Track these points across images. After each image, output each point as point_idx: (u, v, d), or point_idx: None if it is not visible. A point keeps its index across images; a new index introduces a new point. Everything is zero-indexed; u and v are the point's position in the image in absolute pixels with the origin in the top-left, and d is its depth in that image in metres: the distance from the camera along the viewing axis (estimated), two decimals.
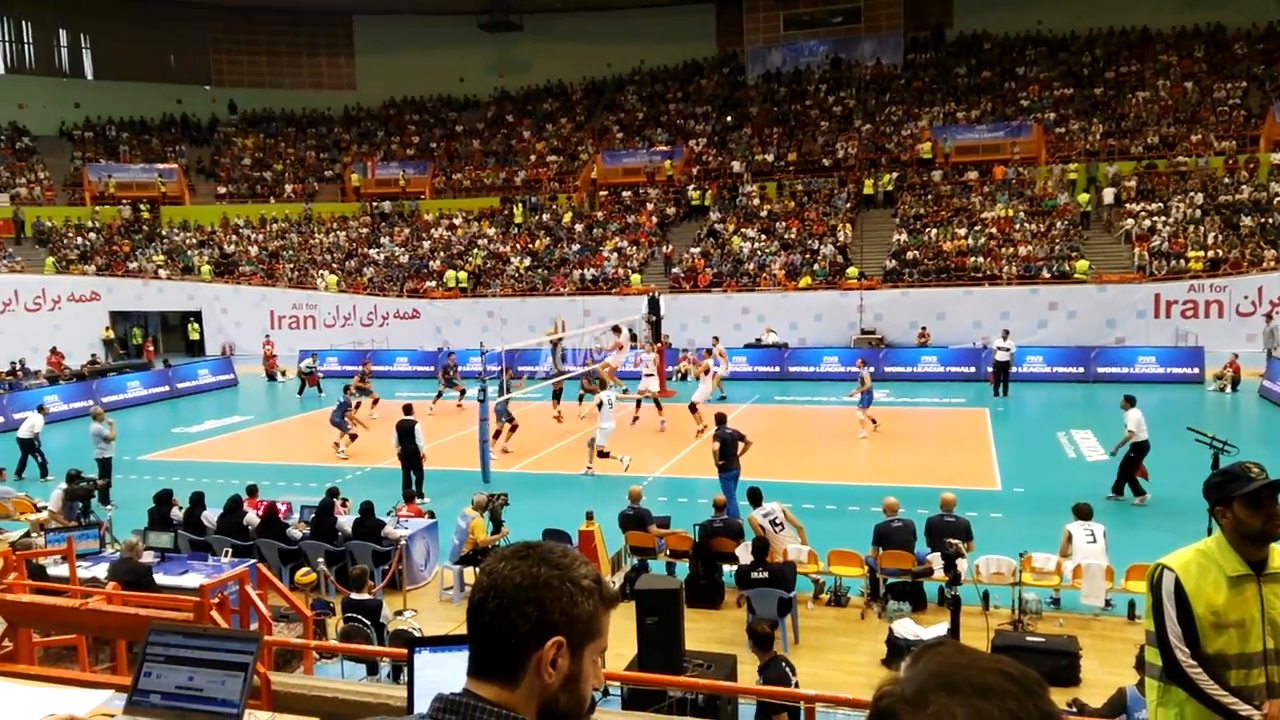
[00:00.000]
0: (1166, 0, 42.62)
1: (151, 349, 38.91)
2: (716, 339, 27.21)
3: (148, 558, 10.53)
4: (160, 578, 10.08)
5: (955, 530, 11.03)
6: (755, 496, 12.25)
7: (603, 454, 17.92)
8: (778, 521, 12.02)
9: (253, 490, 13.92)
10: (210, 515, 12.79)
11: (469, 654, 1.73)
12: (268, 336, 34.55)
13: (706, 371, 22.65)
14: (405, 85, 52.64)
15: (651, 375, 23.10)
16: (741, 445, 14.36)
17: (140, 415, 26.70)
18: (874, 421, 20.59)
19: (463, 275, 38.37)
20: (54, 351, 32.65)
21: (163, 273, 40.83)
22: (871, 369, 21.21)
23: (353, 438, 20.15)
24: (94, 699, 2.93)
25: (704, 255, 36.80)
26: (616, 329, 24.69)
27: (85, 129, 49.39)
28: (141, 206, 45.17)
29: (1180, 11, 42.70)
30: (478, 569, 1.75)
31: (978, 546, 11.83)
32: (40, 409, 20.33)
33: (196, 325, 40.07)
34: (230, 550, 11.63)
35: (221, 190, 47.53)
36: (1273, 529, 3.53)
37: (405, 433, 16.23)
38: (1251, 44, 40.95)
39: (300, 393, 28.82)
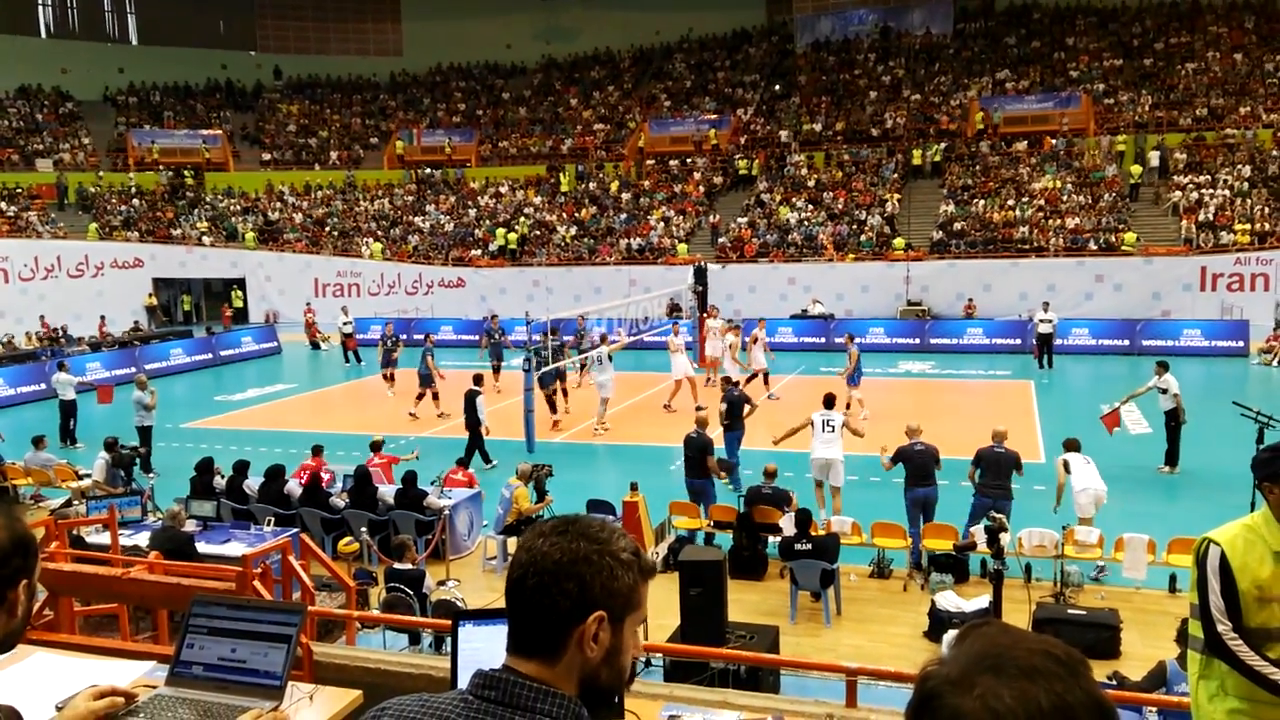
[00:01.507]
0: None
1: (230, 313, 38.88)
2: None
3: (190, 526, 10.65)
4: (202, 546, 10.18)
5: (1005, 461, 11.41)
6: (829, 400, 13.60)
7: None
8: (831, 425, 13.03)
9: (318, 450, 14.13)
10: (252, 484, 12.82)
11: (508, 631, 1.72)
12: (309, 304, 34.83)
13: (755, 341, 22.34)
14: (452, 52, 52.56)
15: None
16: (747, 408, 15.12)
17: (183, 383, 27.05)
18: (861, 403, 19.36)
19: (513, 236, 38.47)
20: (102, 319, 33.11)
21: (206, 239, 41.23)
22: (859, 342, 20.76)
23: (418, 398, 20.52)
24: (136, 670, 2.93)
25: (750, 225, 36.56)
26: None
27: (129, 94, 49.81)
28: (186, 172, 45.54)
29: None
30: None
31: (1021, 520, 11.74)
32: (61, 366, 20.29)
33: (240, 293, 40.44)
34: (273, 519, 11.67)
35: (266, 157, 47.85)
36: None
37: (468, 403, 16.47)
38: None
39: (346, 360, 29.01)
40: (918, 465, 11.69)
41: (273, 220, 43.05)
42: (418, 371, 20.62)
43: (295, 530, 11.22)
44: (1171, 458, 15.31)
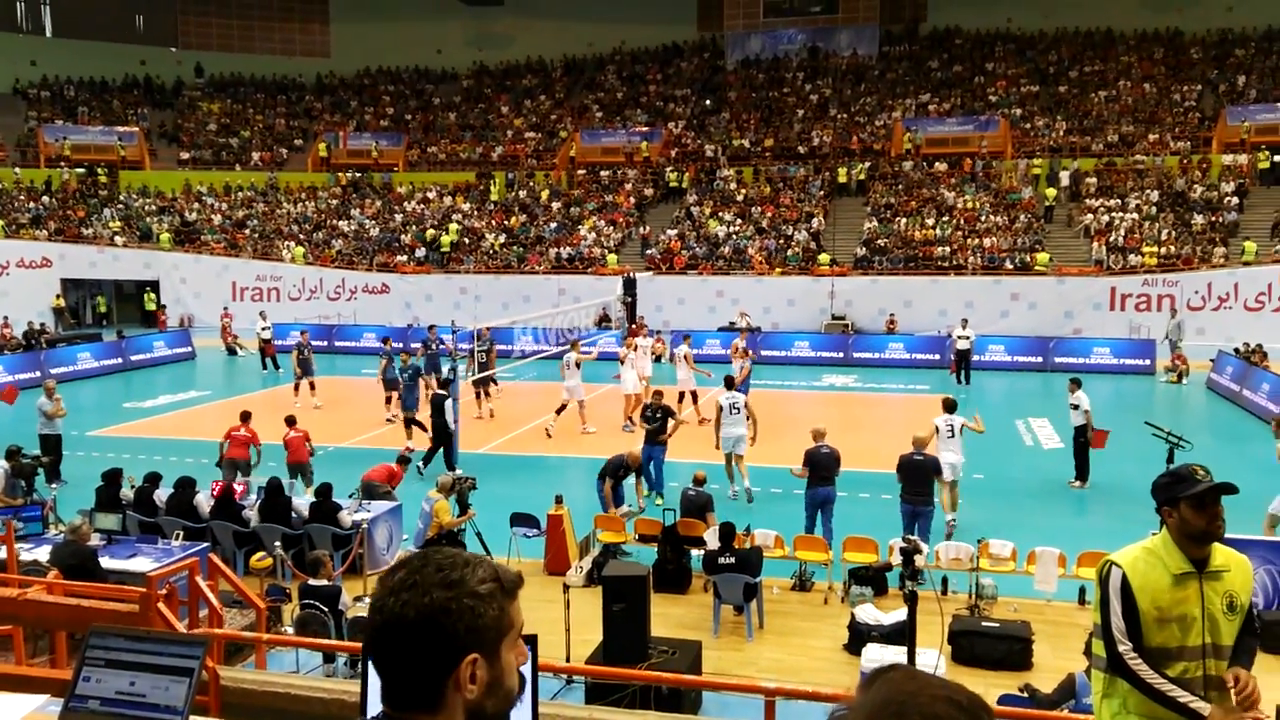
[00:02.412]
0: (1130, 2, 43.46)
1: (164, 317, 37.58)
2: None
3: (95, 540, 10.22)
4: (107, 562, 9.72)
5: (924, 468, 11.93)
6: (729, 382, 15.51)
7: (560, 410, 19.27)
8: (736, 407, 14.90)
9: (246, 416, 14.78)
10: (162, 495, 12.34)
11: (381, 686, 1.67)
12: (225, 308, 34.01)
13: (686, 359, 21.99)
14: (381, 55, 51.89)
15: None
16: (671, 422, 15.32)
17: (91, 388, 26.08)
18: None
19: (446, 238, 38.15)
20: (5, 320, 31.83)
21: (119, 240, 39.99)
22: (752, 357, 20.82)
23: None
24: (28, 704, 2.78)
25: (680, 237, 36.78)
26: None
27: (41, 88, 48.18)
28: (99, 170, 44.16)
29: (1143, 14, 43.57)
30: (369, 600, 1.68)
31: (937, 534, 11.98)
32: None
33: (153, 295, 39.26)
34: (181, 533, 11.25)
35: (184, 156, 46.65)
36: (1215, 530, 3.68)
37: (436, 408, 16.61)
38: (1206, 49, 42.20)
39: (264, 367, 28.29)
40: (822, 466, 12.45)
41: (190, 221, 41.96)
42: (383, 378, 20.55)
43: (205, 545, 10.87)
44: (1081, 473, 15.68)
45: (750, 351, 20.55)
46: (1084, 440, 15.45)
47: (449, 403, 16.65)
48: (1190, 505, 3.63)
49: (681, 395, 20.53)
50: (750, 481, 15.02)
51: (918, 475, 11.89)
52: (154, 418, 22.07)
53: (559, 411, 19.37)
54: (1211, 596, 3.67)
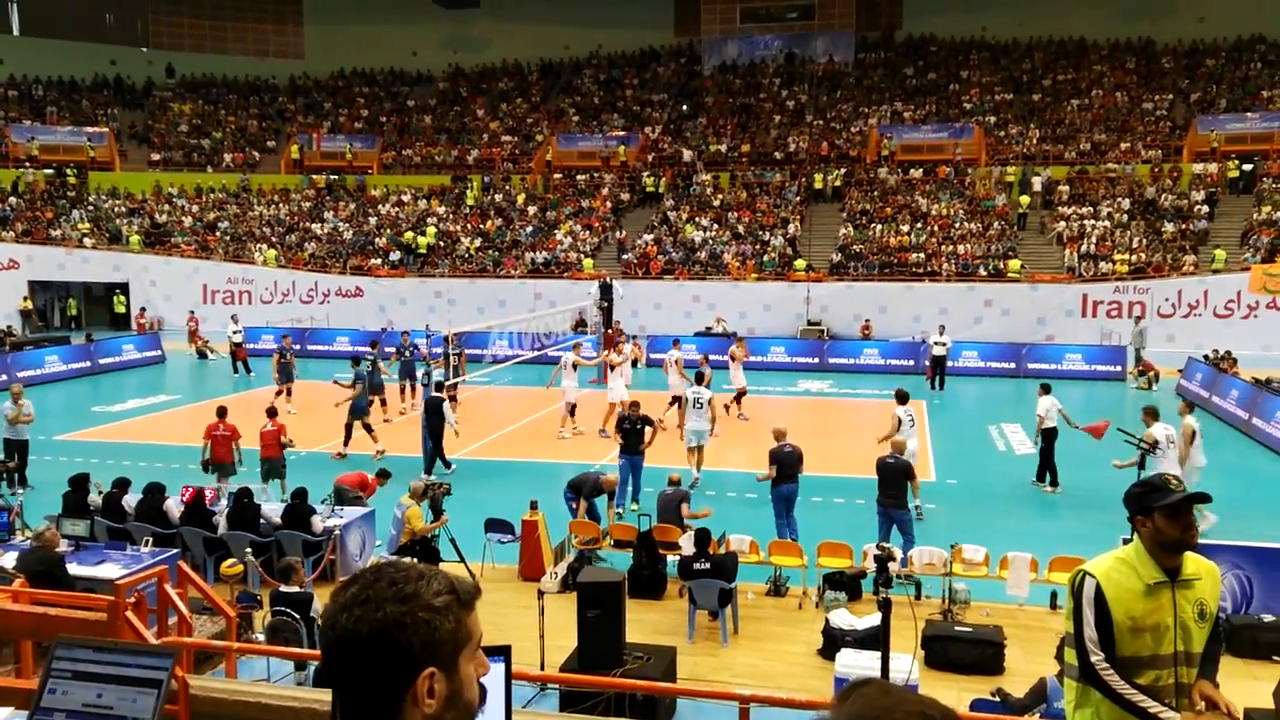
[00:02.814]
0: (1103, 12, 43.80)
1: (144, 320, 36.97)
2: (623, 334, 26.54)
3: (62, 547, 10.06)
4: (74, 568, 9.57)
5: (898, 471, 12.09)
6: (700, 378, 16.57)
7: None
8: (700, 402, 15.94)
9: (222, 411, 14.77)
10: (131, 501, 12.18)
11: (338, 704, 1.63)
12: (192, 312, 33.68)
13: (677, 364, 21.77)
14: (355, 57, 51.67)
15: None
16: (649, 431, 15.06)
17: (59, 392, 25.74)
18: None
19: (423, 240, 38.05)
20: None
21: (88, 241, 39.55)
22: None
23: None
24: None
25: (656, 242, 36.78)
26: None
27: (9, 87, 47.64)
28: (68, 171, 43.68)
29: (1115, 24, 43.94)
30: (414, 558, 1.62)
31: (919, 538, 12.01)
32: None
33: (123, 298, 38.83)
34: (150, 540, 11.08)
35: (155, 157, 46.24)
36: (1189, 538, 3.69)
37: (433, 409, 16.61)
38: (1178, 59, 42.65)
39: (235, 371, 28.06)
40: (786, 464, 12.72)
41: (160, 223, 41.55)
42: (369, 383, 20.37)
43: (175, 551, 10.73)
44: (1041, 474, 15.88)
45: (707, 359, 20.62)
46: (1049, 444, 15.68)
47: (446, 405, 16.78)
48: (1164, 515, 3.64)
49: (675, 400, 20.13)
50: (724, 485, 15.50)
51: (894, 479, 11.98)
52: (123, 422, 21.78)
53: (571, 413, 19.59)
54: (1184, 605, 3.69)
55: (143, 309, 37.12)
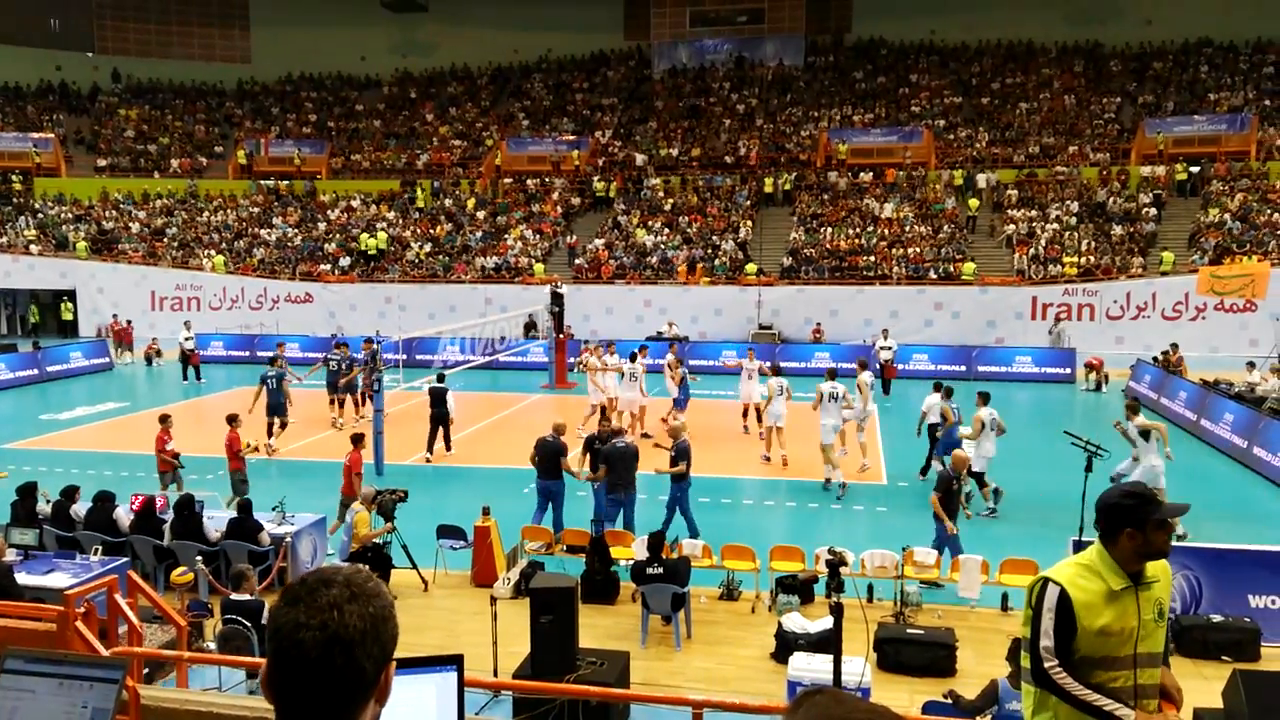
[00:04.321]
0: (1052, 15, 44.41)
1: (116, 325, 35.89)
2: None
3: (10, 556, 9.92)
4: (23, 577, 9.44)
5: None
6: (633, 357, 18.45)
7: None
8: (635, 375, 18.12)
9: (165, 418, 14.53)
10: (80, 510, 12.03)
11: (291, 709, 1.63)
12: (114, 317, 33.06)
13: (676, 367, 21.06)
14: (303, 61, 51.20)
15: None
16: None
17: (6, 400, 25.28)
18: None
19: (373, 241, 37.98)
20: None
21: (34, 248, 38.86)
22: (685, 369, 21.06)
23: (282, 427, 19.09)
24: None
25: (608, 246, 36.81)
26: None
27: None
28: (13, 177, 42.86)
29: (1064, 27, 44.58)
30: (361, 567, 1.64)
31: (863, 542, 12.14)
32: None
33: (70, 305, 38.18)
34: (100, 548, 10.95)
35: (101, 163, 45.49)
36: (1169, 547, 3.74)
37: (438, 398, 17.98)
38: (1125, 62, 43.27)
39: (185, 378, 27.66)
40: (688, 459, 12.95)
41: (107, 229, 40.86)
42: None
43: (125, 560, 10.61)
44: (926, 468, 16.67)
45: (680, 362, 20.67)
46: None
47: (449, 395, 18.09)
48: (1156, 527, 3.68)
49: (681, 402, 20.29)
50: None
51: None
52: (71, 429, 21.42)
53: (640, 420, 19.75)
54: (1145, 607, 3.73)
55: (115, 316, 36.16)
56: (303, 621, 1.61)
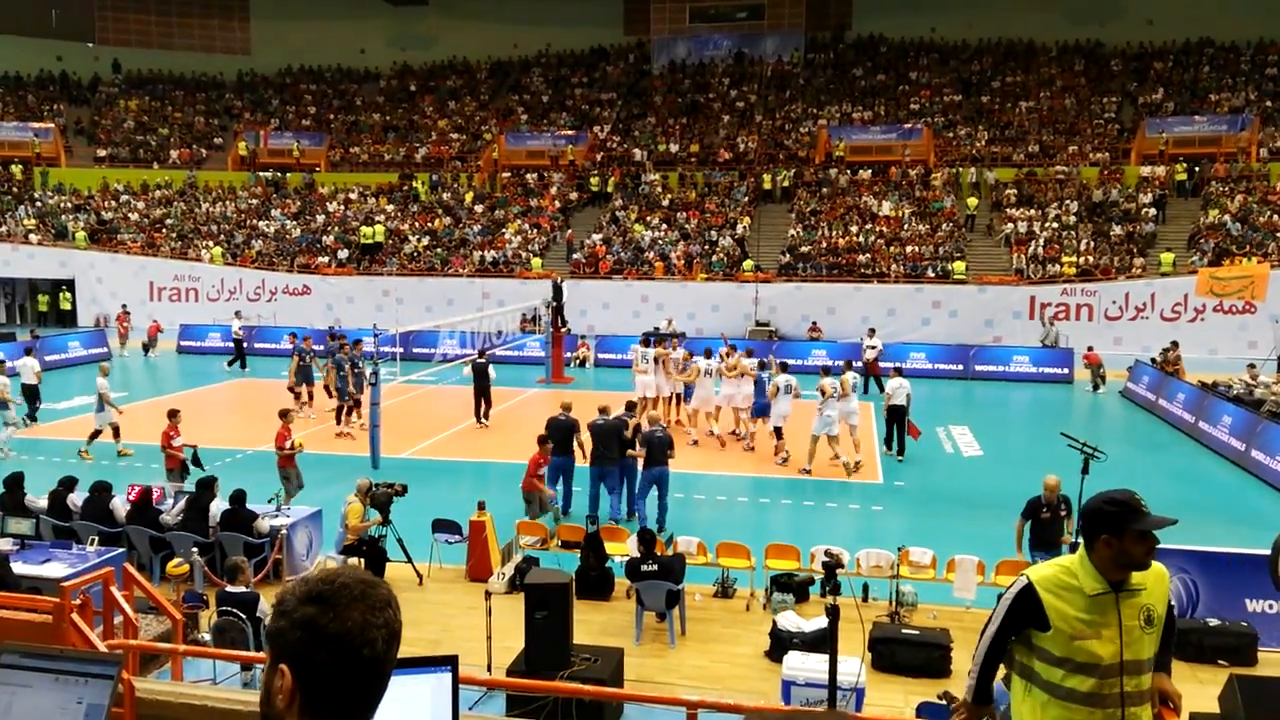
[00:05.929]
0: (1052, 14, 44.32)
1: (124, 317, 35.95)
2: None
3: (6, 545, 9.94)
4: (20, 567, 9.49)
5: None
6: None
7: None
8: (646, 357, 19.51)
9: (173, 414, 14.47)
10: (76, 499, 12.04)
11: (341, 710, 1.69)
12: (124, 307, 33.02)
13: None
14: (302, 54, 51.10)
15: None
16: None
17: None
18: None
19: (370, 231, 37.95)
20: None
21: (34, 237, 38.84)
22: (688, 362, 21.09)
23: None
24: None
25: (605, 242, 36.79)
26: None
27: None
28: (14, 167, 42.84)
29: (1065, 26, 44.51)
30: (358, 561, 1.69)
31: (858, 541, 12.15)
32: None
33: (69, 294, 38.19)
34: (96, 538, 10.98)
35: (101, 153, 45.43)
36: (1149, 560, 3.68)
37: (480, 372, 20.06)
38: (1126, 62, 43.16)
39: (230, 364, 27.97)
40: (656, 448, 13.56)
41: (106, 219, 40.84)
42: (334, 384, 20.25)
43: (121, 551, 10.62)
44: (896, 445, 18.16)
45: (691, 354, 20.84)
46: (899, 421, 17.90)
47: (491, 368, 20.12)
48: (1136, 538, 3.61)
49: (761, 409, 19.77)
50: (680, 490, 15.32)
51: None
52: (69, 419, 21.40)
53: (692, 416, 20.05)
54: (1129, 614, 3.67)
55: (124, 307, 36.01)
56: (371, 621, 1.67)
